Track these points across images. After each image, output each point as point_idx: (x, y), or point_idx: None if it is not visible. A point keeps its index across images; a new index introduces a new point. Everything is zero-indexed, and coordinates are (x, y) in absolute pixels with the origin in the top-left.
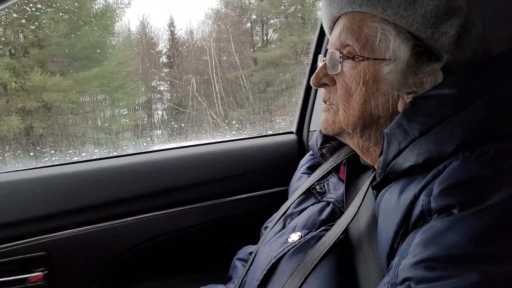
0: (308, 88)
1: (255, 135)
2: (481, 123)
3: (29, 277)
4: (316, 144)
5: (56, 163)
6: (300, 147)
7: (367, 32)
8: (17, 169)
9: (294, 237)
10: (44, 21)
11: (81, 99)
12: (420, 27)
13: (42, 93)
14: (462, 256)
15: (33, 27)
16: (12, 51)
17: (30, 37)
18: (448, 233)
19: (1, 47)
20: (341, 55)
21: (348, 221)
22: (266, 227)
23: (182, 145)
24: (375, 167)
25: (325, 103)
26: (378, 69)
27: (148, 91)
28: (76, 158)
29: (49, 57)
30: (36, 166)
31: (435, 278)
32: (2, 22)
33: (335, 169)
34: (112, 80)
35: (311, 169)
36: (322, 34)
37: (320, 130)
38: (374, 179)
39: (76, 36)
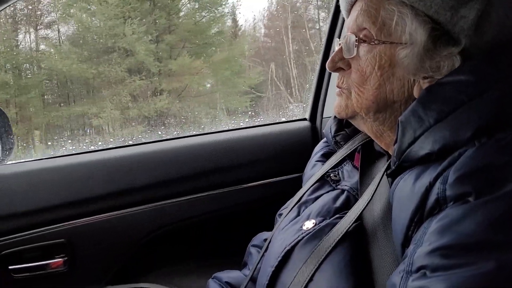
0: (321, 74)
1: (268, 122)
2: (497, 110)
3: (49, 263)
4: (330, 132)
5: (75, 152)
6: (314, 133)
7: (384, 15)
8: (36, 159)
9: (309, 224)
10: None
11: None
12: (438, 10)
13: (183, 76)
14: (478, 243)
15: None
16: (151, 38)
17: (165, 24)
18: (464, 221)
19: (144, 36)
20: (356, 38)
21: (362, 208)
22: (280, 214)
23: (196, 133)
24: (390, 152)
25: (339, 88)
26: (394, 53)
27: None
28: (92, 147)
29: (182, 43)
30: (54, 156)
31: (451, 266)
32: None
33: (350, 157)
34: (235, 64)
35: (325, 156)
36: (335, 17)
37: (334, 117)
38: (388, 166)
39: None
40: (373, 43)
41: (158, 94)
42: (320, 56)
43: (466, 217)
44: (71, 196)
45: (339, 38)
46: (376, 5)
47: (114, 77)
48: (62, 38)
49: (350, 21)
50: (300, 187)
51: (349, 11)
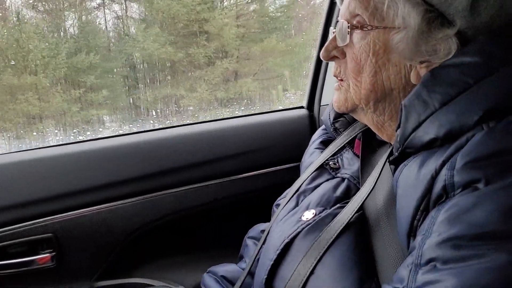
0: (318, 62)
1: (265, 110)
2: (505, 92)
3: (36, 258)
4: (329, 118)
5: (60, 143)
6: (312, 122)
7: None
8: (20, 150)
9: (308, 215)
10: None
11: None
12: None
13: (265, 59)
14: (490, 233)
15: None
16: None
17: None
18: (474, 210)
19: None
20: (349, 25)
21: (364, 197)
22: (278, 205)
23: (189, 123)
24: (392, 142)
25: (337, 79)
26: (388, 38)
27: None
28: (80, 138)
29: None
30: (40, 147)
31: (463, 257)
32: None
33: (350, 144)
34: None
35: (324, 144)
36: (332, 5)
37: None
38: (391, 153)
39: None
40: (366, 29)
41: (243, 76)
42: (317, 44)
43: (476, 205)
44: (57, 189)
45: (334, 27)
46: None
47: (201, 60)
48: (150, 21)
49: (343, 7)
50: (298, 175)
51: None
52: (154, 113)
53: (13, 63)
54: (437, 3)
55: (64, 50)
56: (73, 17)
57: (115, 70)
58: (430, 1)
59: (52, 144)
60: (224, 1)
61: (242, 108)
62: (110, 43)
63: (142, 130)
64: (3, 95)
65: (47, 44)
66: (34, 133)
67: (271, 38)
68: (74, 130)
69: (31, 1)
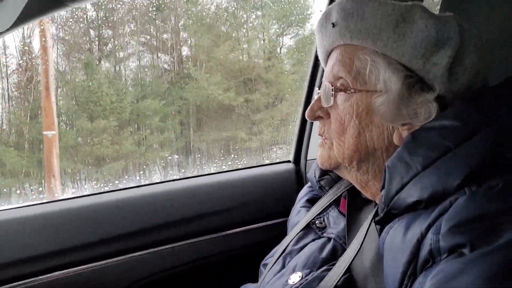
0: (304, 117)
1: (251, 165)
2: (484, 156)
3: None
4: (315, 176)
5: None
6: (298, 176)
7: (358, 64)
8: (11, 207)
9: (295, 278)
10: None
11: None
12: (411, 58)
13: None
14: None
15: None
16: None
17: None
18: (460, 276)
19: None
20: (333, 87)
21: (351, 260)
22: (265, 264)
23: (174, 178)
24: (376, 201)
25: (321, 137)
26: (370, 101)
27: None
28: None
29: None
30: (30, 204)
31: None
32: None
33: (335, 202)
34: None
35: (311, 202)
36: (316, 64)
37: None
38: (376, 213)
39: None
40: (349, 92)
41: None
42: (302, 103)
43: (463, 272)
44: (50, 246)
45: (318, 88)
46: (350, 55)
47: (261, 104)
48: (213, 69)
49: (327, 70)
50: (285, 232)
51: (326, 61)
52: (214, 153)
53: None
54: (416, 69)
55: (130, 95)
56: (139, 64)
57: (177, 113)
58: (410, 67)
59: (47, 200)
60: (280, 52)
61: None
62: (174, 88)
63: (127, 187)
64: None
65: (115, 90)
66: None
67: None
68: (141, 171)
69: (100, 52)
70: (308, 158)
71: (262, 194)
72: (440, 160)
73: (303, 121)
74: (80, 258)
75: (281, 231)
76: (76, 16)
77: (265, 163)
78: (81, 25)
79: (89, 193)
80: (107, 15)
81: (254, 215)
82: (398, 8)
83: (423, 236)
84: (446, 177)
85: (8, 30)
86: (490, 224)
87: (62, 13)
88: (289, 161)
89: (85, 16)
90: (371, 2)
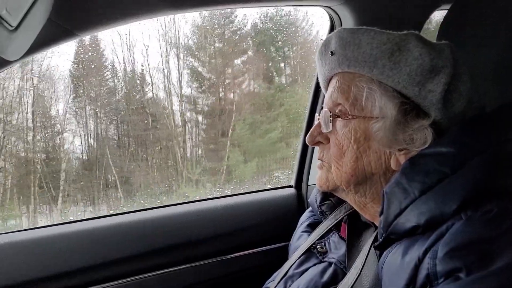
0: (305, 142)
1: (253, 189)
2: (480, 182)
3: None
4: (316, 201)
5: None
6: (300, 201)
7: (355, 91)
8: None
9: None
10: None
11: None
12: (406, 85)
13: None
14: None
15: None
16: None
17: None
18: None
19: None
20: (330, 114)
21: (351, 285)
22: None
23: (176, 203)
24: (375, 223)
25: (320, 161)
26: (368, 127)
27: None
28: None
29: None
30: (23, 229)
31: None
32: None
33: (336, 227)
34: None
35: (312, 226)
36: (316, 93)
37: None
38: (376, 238)
39: None
40: (347, 118)
41: None
42: (303, 129)
43: None
44: (45, 271)
45: (319, 114)
46: (348, 82)
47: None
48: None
49: (327, 96)
50: (287, 256)
51: (326, 87)
52: None
53: None
54: (412, 96)
55: None
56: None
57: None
58: (406, 94)
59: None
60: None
61: None
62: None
63: (122, 212)
64: None
65: None
66: None
67: None
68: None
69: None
70: (309, 183)
71: (263, 218)
72: (437, 186)
73: (304, 147)
74: (81, 281)
75: (282, 255)
76: None
77: (267, 188)
78: None
79: (90, 217)
80: None
81: (255, 239)
82: (393, 38)
83: (420, 261)
84: (443, 202)
85: (19, 59)
86: (486, 249)
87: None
88: (290, 186)
89: None
90: (367, 32)
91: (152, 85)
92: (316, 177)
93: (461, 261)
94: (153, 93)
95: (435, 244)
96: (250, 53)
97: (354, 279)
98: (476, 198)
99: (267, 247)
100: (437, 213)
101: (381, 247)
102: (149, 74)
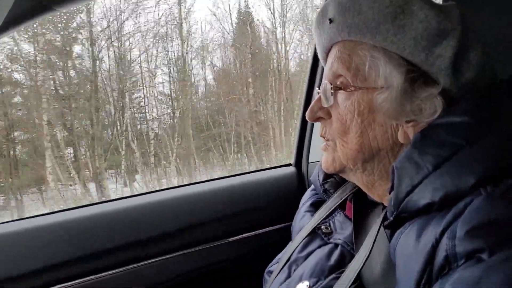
0: (304, 119)
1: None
2: (501, 155)
3: None
4: (318, 179)
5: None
6: (300, 179)
7: (357, 60)
8: (9, 220)
9: (302, 287)
10: None
11: None
12: (412, 51)
13: None
14: None
15: None
16: None
17: None
18: (480, 284)
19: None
20: (331, 86)
21: (360, 267)
22: (269, 272)
23: (174, 186)
24: (384, 203)
25: (323, 139)
26: (372, 99)
27: None
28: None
29: None
30: (26, 216)
31: None
32: None
33: (341, 206)
34: None
35: (315, 206)
36: (315, 63)
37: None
38: (385, 217)
39: None
40: (349, 90)
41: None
42: (302, 104)
43: (483, 279)
44: (51, 259)
45: (318, 87)
46: (349, 51)
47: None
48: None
49: (326, 68)
50: (289, 237)
51: (325, 59)
52: None
53: None
54: (419, 63)
55: None
56: None
57: None
58: (412, 61)
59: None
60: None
61: None
62: None
63: (121, 197)
64: None
65: None
66: None
67: None
68: None
69: None
70: (309, 161)
71: (263, 199)
72: (452, 159)
73: (304, 123)
74: (76, 271)
75: (284, 236)
76: None
77: (265, 167)
78: None
79: (83, 204)
80: None
81: (256, 221)
82: (396, 0)
83: (437, 242)
84: (459, 177)
85: None
86: (509, 228)
87: None
88: (290, 165)
89: None
90: None
91: None
92: (322, 160)
93: (482, 241)
94: None
95: (453, 223)
96: None
97: (363, 262)
98: (496, 172)
99: (268, 229)
100: (454, 188)
101: (391, 227)
102: None
